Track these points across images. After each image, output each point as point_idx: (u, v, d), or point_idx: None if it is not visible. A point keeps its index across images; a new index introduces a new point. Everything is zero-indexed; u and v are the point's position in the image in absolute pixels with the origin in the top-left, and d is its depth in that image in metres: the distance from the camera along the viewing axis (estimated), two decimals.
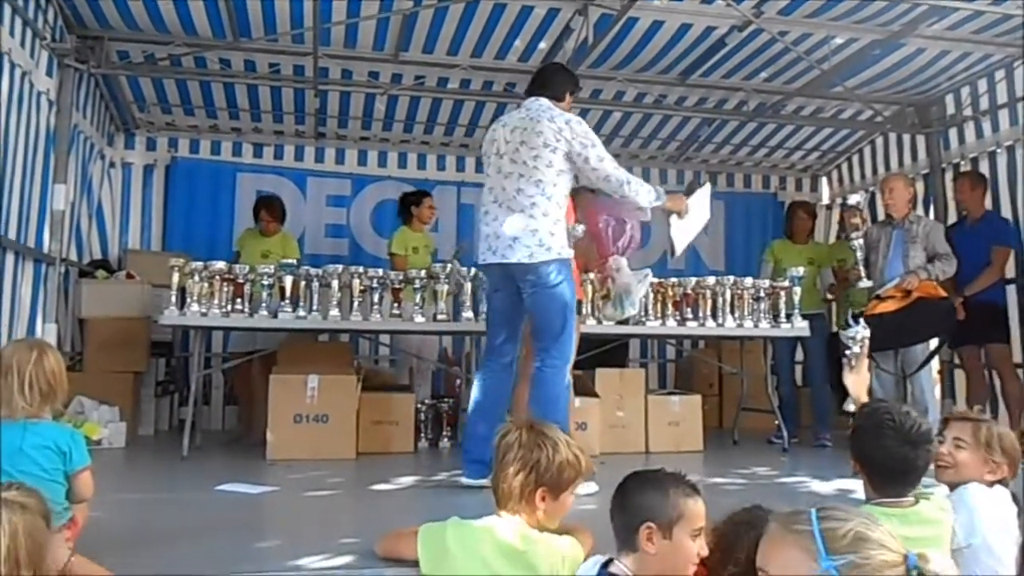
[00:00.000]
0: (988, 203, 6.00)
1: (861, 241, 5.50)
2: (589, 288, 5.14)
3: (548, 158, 3.83)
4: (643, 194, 4.04)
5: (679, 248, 4.62)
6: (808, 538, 1.47)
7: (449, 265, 5.21)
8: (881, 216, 6.54)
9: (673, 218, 4.46)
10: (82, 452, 2.54)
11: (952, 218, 6.59)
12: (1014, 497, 2.36)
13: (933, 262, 5.37)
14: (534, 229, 3.80)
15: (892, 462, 2.10)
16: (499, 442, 2.21)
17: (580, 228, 4.60)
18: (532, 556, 2.12)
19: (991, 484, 2.37)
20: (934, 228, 5.55)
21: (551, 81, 4.12)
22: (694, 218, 4.55)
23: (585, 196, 5.92)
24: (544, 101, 3.99)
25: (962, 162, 6.66)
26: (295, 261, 5.28)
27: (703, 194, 4.68)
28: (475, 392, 4.03)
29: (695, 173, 8.44)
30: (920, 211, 5.72)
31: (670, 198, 4.35)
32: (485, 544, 2.12)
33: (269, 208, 6.13)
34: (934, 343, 5.34)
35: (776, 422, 5.82)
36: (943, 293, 5.25)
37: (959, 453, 2.44)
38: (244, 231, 6.47)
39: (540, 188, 3.83)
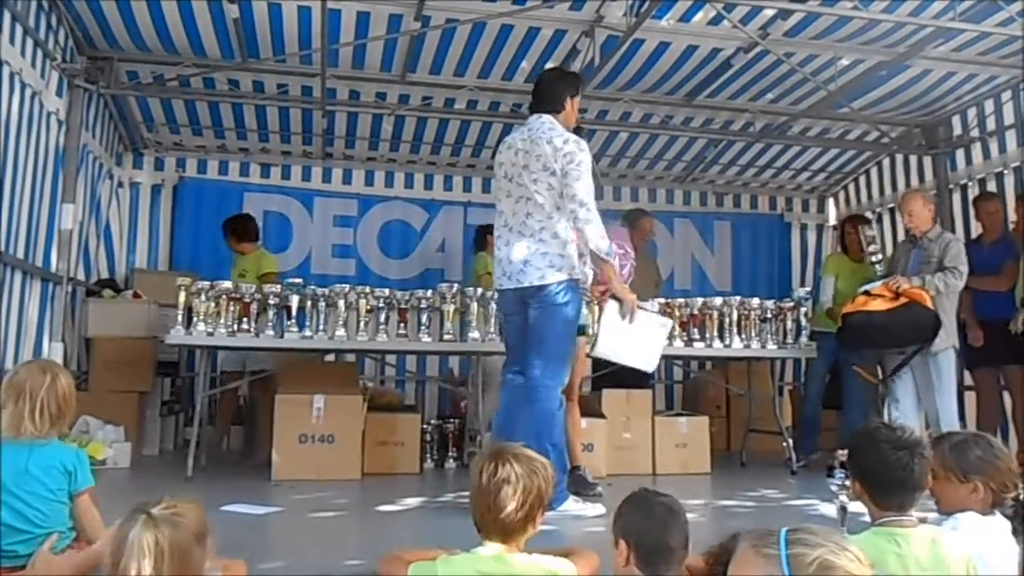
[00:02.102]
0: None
1: (879, 256, 5.45)
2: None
3: (548, 181, 3.82)
4: (593, 234, 3.79)
5: (600, 345, 4.01)
6: (775, 563, 1.47)
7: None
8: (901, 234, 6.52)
9: (611, 307, 3.98)
10: (86, 473, 2.53)
11: (960, 238, 6.55)
12: (1015, 529, 2.22)
13: (935, 273, 5.11)
14: (544, 252, 3.81)
15: (890, 470, 2.10)
16: (488, 480, 2.12)
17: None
18: None
19: (984, 511, 2.26)
20: (950, 244, 5.25)
21: (548, 94, 4.03)
22: (634, 333, 3.97)
23: (642, 220, 5.98)
24: (546, 118, 3.95)
25: (969, 183, 6.66)
26: (275, 275, 5.38)
27: (654, 319, 4.16)
28: (497, 415, 4.00)
29: (667, 193, 8.43)
30: (945, 232, 5.43)
31: (620, 286, 3.97)
32: (481, 574, 2.09)
33: (232, 230, 6.20)
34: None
35: (784, 444, 5.77)
36: (931, 305, 5.02)
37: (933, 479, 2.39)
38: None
39: (546, 212, 3.83)
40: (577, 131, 4.13)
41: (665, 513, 2.09)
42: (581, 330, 4.57)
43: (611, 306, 3.98)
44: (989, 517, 2.24)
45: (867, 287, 5.20)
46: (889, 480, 2.12)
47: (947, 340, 5.07)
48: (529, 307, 3.87)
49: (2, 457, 2.39)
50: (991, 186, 6.36)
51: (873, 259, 5.43)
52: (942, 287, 5.07)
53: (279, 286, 5.09)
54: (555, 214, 3.83)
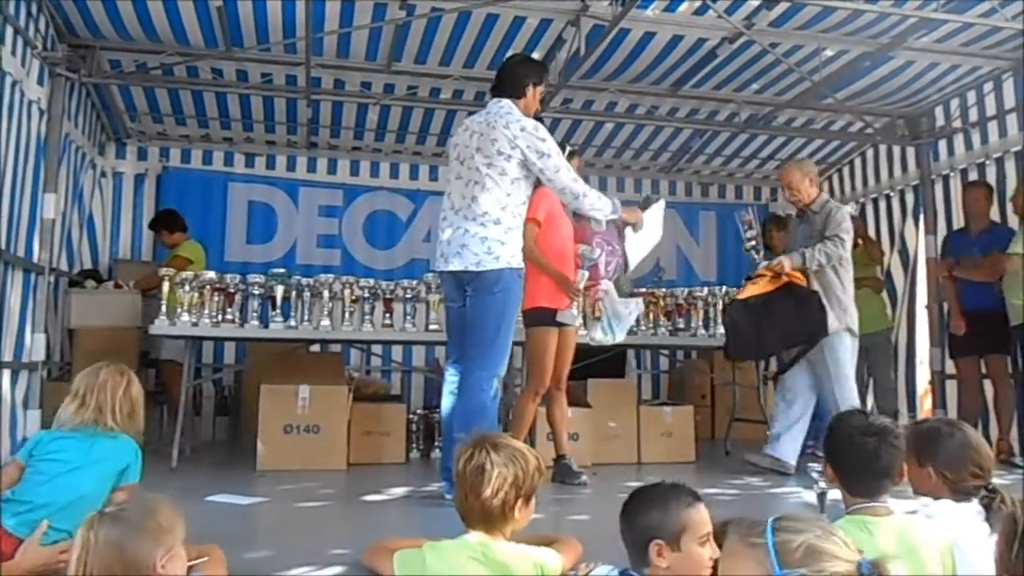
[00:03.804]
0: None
1: (754, 242, 5.20)
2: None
3: (502, 166, 3.78)
4: (599, 206, 4.03)
5: (633, 262, 4.59)
6: (763, 551, 1.51)
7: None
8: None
9: (628, 231, 4.46)
10: (137, 470, 2.72)
11: (943, 228, 6.63)
12: (987, 519, 2.20)
13: (815, 246, 4.83)
14: (484, 237, 3.75)
15: (856, 455, 2.15)
16: (464, 466, 2.17)
17: (597, 252, 4.60)
18: (513, 568, 2.11)
19: (958, 499, 2.27)
20: (832, 212, 4.93)
21: (509, 79, 4.01)
22: (647, 233, 4.54)
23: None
24: (505, 103, 3.93)
25: (951, 173, 6.70)
26: (183, 260, 5.72)
27: (657, 209, 4.67)
28: (443, 407, 3.98)
29: (652, 183, 8.45)
30: (829, 201, 5.11)
31: (626, 210, 4.35)
32: (466, 561, 2.10)
33: (162, 226, 6.37)
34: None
35: (768, 433, 5.80)
36: (806, 284, 4.82)
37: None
38: None
39: (493, 196, 3.78)
40: (539, 120, 4.11)
41: (623, 514, 2.11)
42: (566, 324, 4.60)
43: (628, 232, 4.49)
44: (963, 504, 2.25)
45: (750, 272, 5.04)
46: (855, 465, 2.16)
47: (840, 322, 4.83)
48: (466, 294, 3.82)
49: (71, 440, 2.63)
50: (972, 177, 6.41)
51: (749, 245, 5.19)
52: (823, 259, 4.79)
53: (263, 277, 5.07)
54: (504, 199, 3.79)
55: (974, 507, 2.23)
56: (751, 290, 4.89)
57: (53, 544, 2.39)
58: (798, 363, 5.00)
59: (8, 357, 4.83)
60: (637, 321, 5.51)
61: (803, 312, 4.77)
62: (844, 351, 4.86)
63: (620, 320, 4.77)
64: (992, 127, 6.22)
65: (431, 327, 5.18)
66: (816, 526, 1.54)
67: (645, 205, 4.69)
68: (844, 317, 4.86)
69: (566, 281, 4.41)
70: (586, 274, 4.58)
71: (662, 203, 4.77)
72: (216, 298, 4.98)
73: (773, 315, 4.77)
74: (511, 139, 3.77)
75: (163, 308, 4.93)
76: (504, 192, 3.79)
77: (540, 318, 4.49)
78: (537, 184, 4.50)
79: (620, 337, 4.79)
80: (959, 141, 6.59)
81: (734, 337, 4.97)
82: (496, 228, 3.76)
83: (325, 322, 5.05)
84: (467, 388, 3.75)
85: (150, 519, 1.80)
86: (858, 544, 1.91)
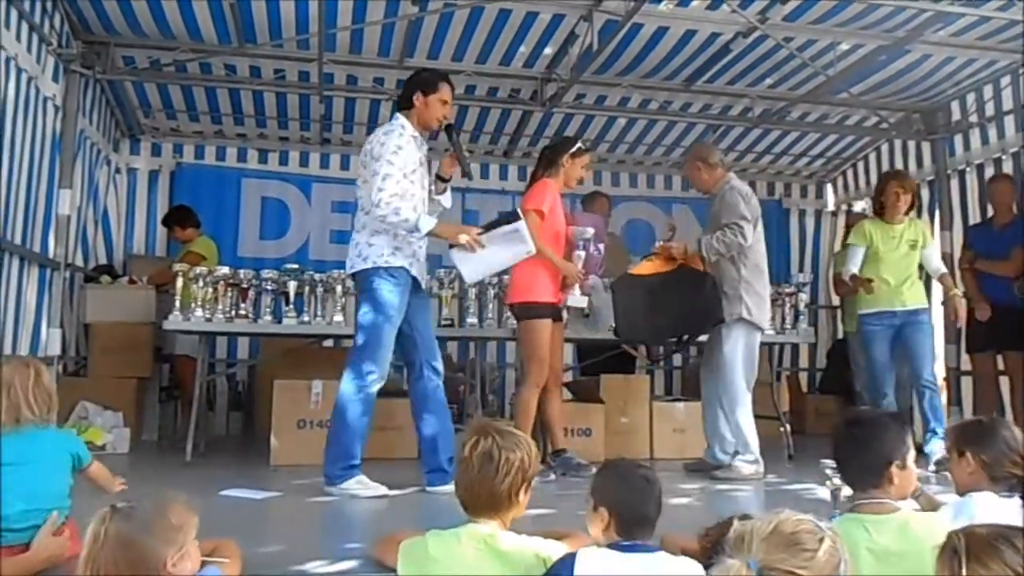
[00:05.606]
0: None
1: (671, 234, 4.96)
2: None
3: (363, 174, 4.00)
4: (389, 218, 3.85)
5: (467, 277, 4.30)
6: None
7: None
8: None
9: (453, 252, 4.11)
10: (86, 451, 2.69)
11: (959, 224, 6.58)
12: None
13: (714, 234, 4.57)
14: (356, 243, 4.01)
15: (844, 447, 2.24)
16: (471, 452, 2.17)
17: (590, 231, 4.63)
18: (517, 557, 2.11)
19: (1000, 492, 2.25)
20: (725, 196, 4.64)
21: (402, 93, 4.18)
22: (491, 252, 4.09)
23: (595, 202, 5.99)
24: (397, 115, 4.10)
25: (967, 168, 6.64)
26: (197, 256, 5.81)
27: (508, 232, 4.14)
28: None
29: (665, 179, 8.38)
30: (728, 182, 4.75)
31: (442, 226, 4.04)
32: (469, 548, 2.11)
33: (174, 221, 6.45)
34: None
35: (781, 429, 5.79)
36: (701, 267, 4.61)
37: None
38: None
39: (360, 203, 4.03)
40: (447, 128, 4.21)
41: (644, 484, 2.09)
42: (558, 315, 4.61)
43: (454, 252, 4.10)
44: (1006, 499, 2.22)
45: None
46: (843, 457, 2.24)
47: (731, 313, 4.59)
48: None
49: (7, 446, 2.47)
50: (989, 171, 6.35)
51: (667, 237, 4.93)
52: (722, 249, 4.51)
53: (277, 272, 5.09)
54: (367, 205, 3.93)
55: (1016, 502, 2.20)
56: (646, 267, 4.71)
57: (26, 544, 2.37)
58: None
59: (24, 352, 4.87)
60: None
61: (695, 299, 4.57)
62: (733, 343, 4.62)
63: (605, 314, 4.80)
64: (1009, 122, 6.16)
65: (443, 323, 5.18)
66: (766, 522, 1.58)
67: (495, 224, 4.22)
68: (738, 307, 4.58)
69: (568, 267, 4.52)
70: (583, 254, 4.59)
71: (520, 226, 4.15)
72: (229, 293, 4.99)
73: (667, 299, 4.56)
74: (369, 144, 4.01)
75: (177, 303, 4.95)
76: (367, 198, 3.92)
77: (534, 311, 4.53)
78: (534, 179, 4.56)
79: (602, 331, 4.80)
80: (975, 136, 6.53)
81: (624, 317, 4.69)
82: (363, 232, 4.00)
83: (338, 317, 5.06)
84: (342, 382, 4.00)
85: (161, 517, 1.80)
86: (858, 545, 1.92)
